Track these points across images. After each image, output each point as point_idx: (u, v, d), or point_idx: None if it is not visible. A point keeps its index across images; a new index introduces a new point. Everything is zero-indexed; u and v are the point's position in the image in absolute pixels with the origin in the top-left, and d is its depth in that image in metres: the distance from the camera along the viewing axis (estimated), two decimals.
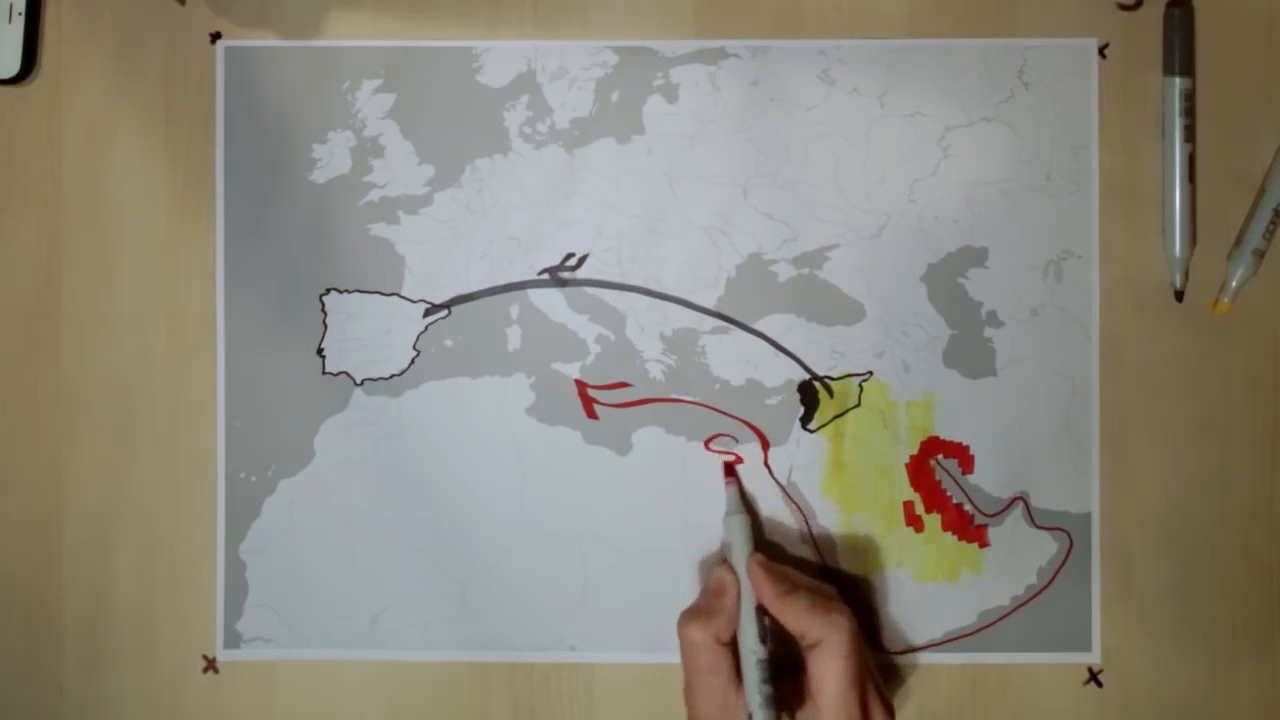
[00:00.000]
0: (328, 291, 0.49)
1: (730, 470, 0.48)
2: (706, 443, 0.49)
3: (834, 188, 0.49)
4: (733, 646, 0.44)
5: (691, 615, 0.44)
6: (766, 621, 0.44)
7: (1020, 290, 0.48)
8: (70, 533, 0.49)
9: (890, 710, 0.43)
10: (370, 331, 0.49)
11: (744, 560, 0.45)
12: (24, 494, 0.49)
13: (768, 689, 0.43)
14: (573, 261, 0.49)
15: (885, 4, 0.48)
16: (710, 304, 0.49)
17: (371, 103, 0.49)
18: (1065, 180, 0.48)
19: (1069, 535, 0.48)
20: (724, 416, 0.49)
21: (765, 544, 0.48)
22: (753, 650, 0.43)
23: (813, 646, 0.42)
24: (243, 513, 0.49)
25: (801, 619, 0.43)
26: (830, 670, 0.42)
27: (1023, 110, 0.48)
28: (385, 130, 0.49)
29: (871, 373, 0.49)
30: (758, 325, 0.49)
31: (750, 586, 0.44)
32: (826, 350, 0.49)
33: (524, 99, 0.49)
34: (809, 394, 0.49)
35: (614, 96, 0.49)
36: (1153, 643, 0.48)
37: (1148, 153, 0.48)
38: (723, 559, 0.47)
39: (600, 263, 0.49)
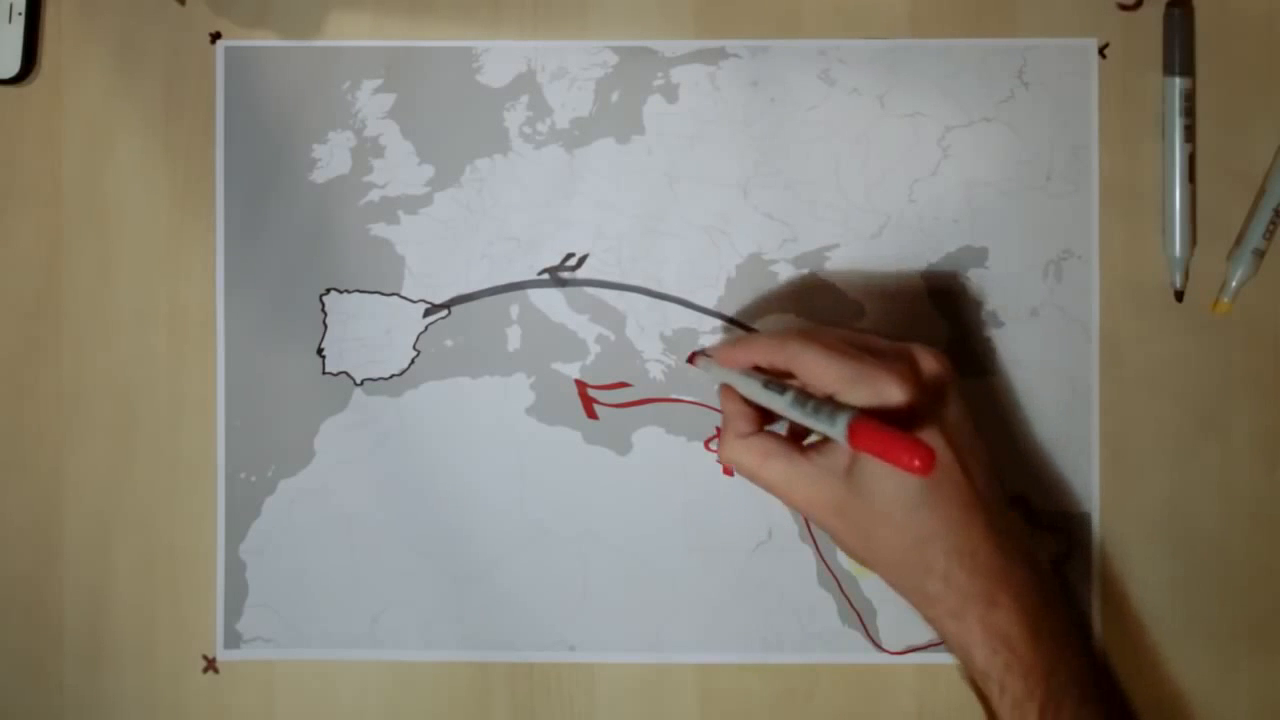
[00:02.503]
0: (328, 291, 0.49)
1: (694, 356, 0.47)
2: (706, 443, 0.49)
3: (834, 188, 0.49)
4: (769, 434, 0.42)
5: (719, 447, 0.44)
6: (772, 380, 0.41)
7: (1020, 290, 0.48)
8: (70, 533, 0.49)
9: (910, 345, 0.42)
10: (370, 331, 0.49)
11: (719, 367, 0.44)
12: (24, 494, 0.49)
13: (809, 404, 0.39)
14: (572, 262, 0.49)
15: (885, 4, 0.48)
16: (710, 304, 0.49)
17: (371, 103, 0.49)
18: (1065, 180, 0.48)
19: (1069, 535, 0.48)
20: None
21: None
22: (782, 407, 0.40)
23: (787, 363, 0.41)
24: (243, 513, 0.49)
25: (764, 349, 0.42)
26: (809, 354, 0.40)
27: (1023, 110, 0.48)
28: (385, 130, 0.49)
29: None
30: (757, 325, 0.49)
31: (735, 369, 0.43)
32: None
33: (524, 99, 0.49)
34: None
35: (614, 96, 0.49)
36: (1153, 643, 0.48)
37: (1148, 153, 0.48)
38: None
39: (600, 263, 0.49)
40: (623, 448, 0.49)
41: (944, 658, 0.48)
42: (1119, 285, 0.48)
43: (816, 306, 0.49)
